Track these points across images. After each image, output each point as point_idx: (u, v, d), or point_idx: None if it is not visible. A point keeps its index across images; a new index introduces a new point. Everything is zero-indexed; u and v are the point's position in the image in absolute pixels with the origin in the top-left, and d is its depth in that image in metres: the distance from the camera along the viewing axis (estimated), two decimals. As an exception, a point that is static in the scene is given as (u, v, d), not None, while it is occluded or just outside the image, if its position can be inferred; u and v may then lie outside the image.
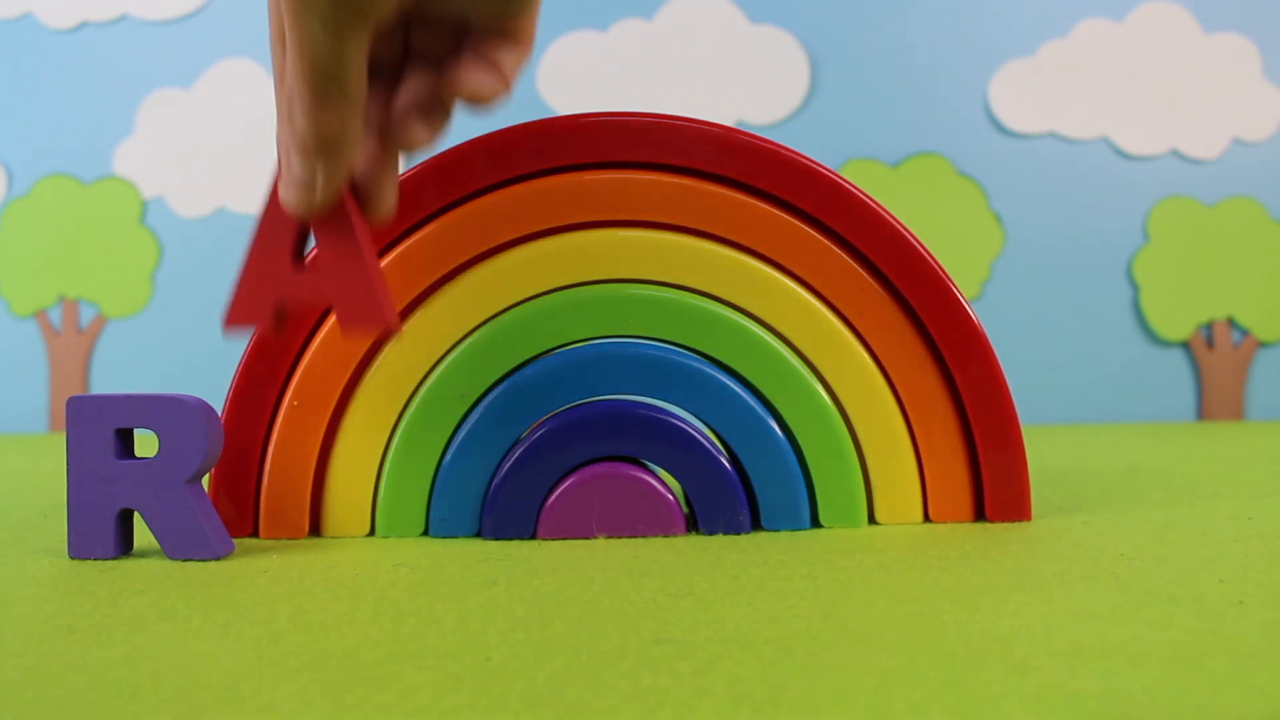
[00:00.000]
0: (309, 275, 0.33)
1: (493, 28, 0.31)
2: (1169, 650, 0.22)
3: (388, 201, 0.34)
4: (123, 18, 1.33)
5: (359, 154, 0.32)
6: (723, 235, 0.39)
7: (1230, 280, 1.29)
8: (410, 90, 0.33)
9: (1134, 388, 1.29)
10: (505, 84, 0.31)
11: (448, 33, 0.32)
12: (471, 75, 0.31)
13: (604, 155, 0.39)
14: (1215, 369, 1.29)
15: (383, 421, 0.39)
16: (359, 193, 0.33)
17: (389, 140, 0.33)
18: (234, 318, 0.34)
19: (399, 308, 0.39)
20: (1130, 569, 0.31)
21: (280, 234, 0.33)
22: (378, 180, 0.33)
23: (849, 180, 0.39)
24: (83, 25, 1.33)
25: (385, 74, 0.33)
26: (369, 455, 0.39)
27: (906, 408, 0.40)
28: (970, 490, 0.40)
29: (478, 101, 0.31)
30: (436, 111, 0.33)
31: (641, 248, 0.39)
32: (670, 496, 0.38)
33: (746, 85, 1.29)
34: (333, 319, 0.39)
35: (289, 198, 0.32)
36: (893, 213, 0.39)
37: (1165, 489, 0.52)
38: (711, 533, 0.39)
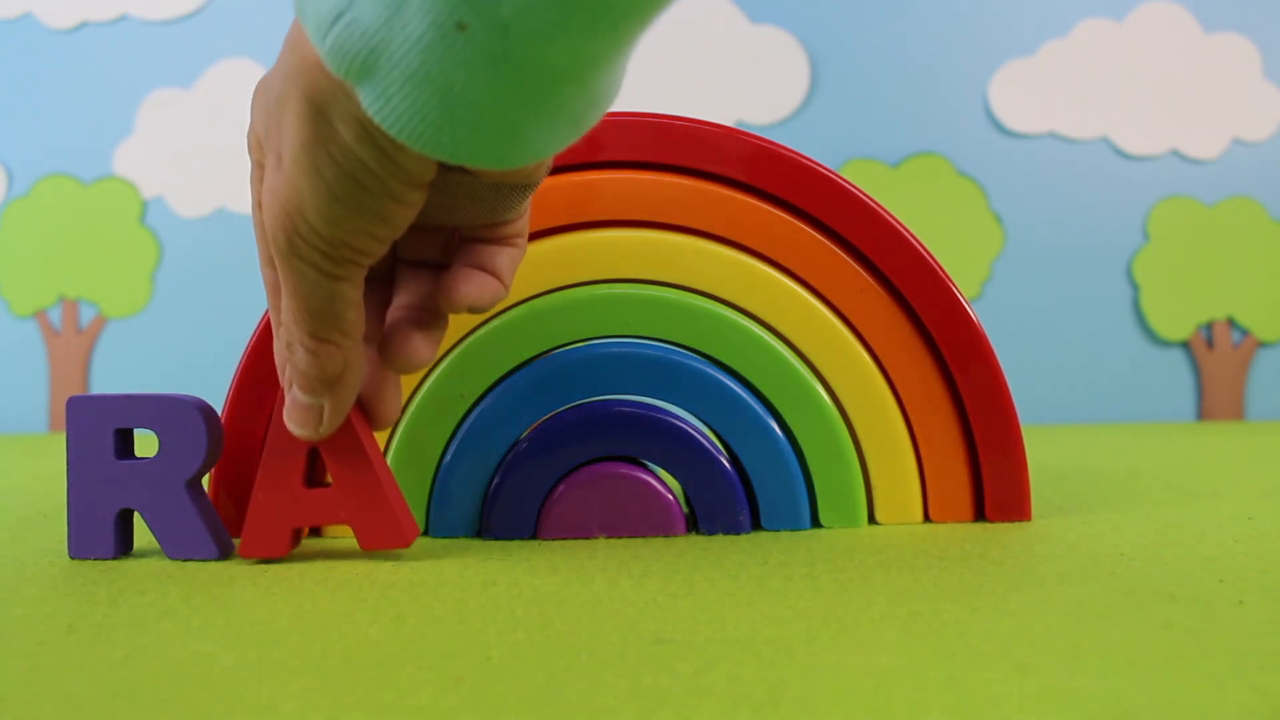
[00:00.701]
0: (323, 496, 0.33)
1: (482, 235, 0.30)
2: (1169, 650, 0.22)
3: (391, 411, 0.33)
4: (123, 18, 1.33)
5: (362, 380, 0.31)
6: (723, 235, 0.39)
7: (1230, 280, 1.29)
8: (404, 299, 0.31)
9: (1134, 388, 1.29)
10: (503, 288, 0.30)
11: (437, 240, 0.31)
12: (468, 287, 0.30)
13: (604, 155, 0.39)
14: (1215, 369, 1.29)
15: (383, 421, 0.39)
16: (362, 406, 0.33)
17: (387, 354, 0.31)
18: (251, 549, 0.33)
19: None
20: (1130, 569, 0.31)
21: (289, 458, 0.33)
22: (380, 394, 0.33)
23: (849, 180, 0.39)
24: (83, 25, 1.33)
25: (377, 284, 0.32)
26: (369, 455, 0.39)
27: (906, 408, 0.40)
28: (970, 490, 0.40)
29: (476, 310, 0.30)
30: (433, 322, 0.31)
31: (641, 248, 0.39)
32: (670, 496, 0.38)
33: (746, 85, 1.29)
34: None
35: (296, 429, 0.31)
36: (893, 213, 0.39)
37: (1165, 489, 0.52)
38: (711, 533, 0.39)
